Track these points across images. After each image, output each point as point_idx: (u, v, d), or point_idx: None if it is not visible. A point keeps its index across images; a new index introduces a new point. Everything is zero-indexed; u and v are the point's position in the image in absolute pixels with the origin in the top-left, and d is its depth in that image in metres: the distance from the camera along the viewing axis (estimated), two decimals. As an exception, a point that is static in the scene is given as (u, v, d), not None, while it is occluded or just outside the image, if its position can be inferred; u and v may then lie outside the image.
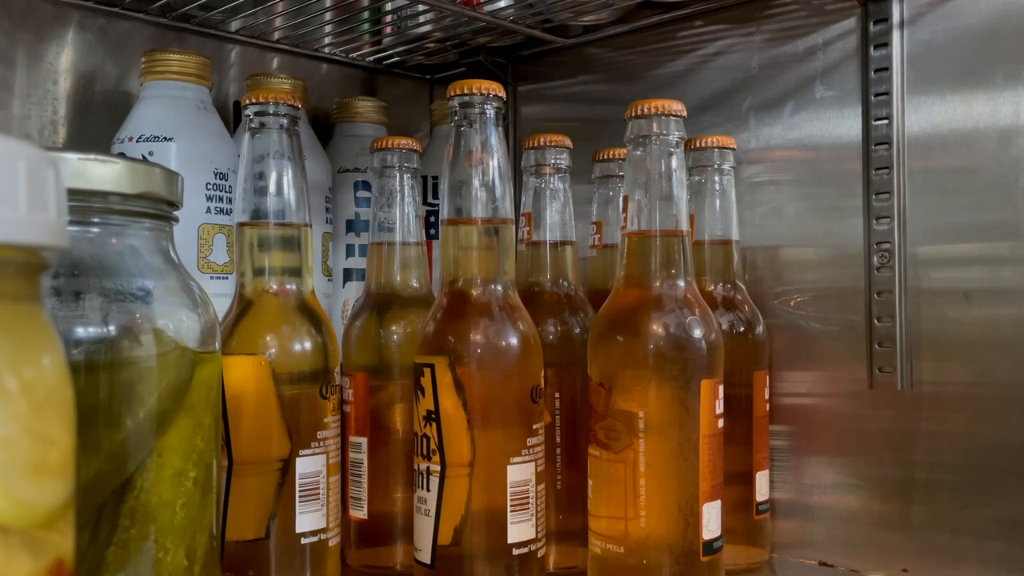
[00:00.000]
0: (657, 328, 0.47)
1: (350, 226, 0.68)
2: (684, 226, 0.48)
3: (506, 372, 0.46)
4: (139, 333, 0.34)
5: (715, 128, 0.64)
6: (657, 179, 0.48)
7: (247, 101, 0.49)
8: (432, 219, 0.70)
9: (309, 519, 0.47)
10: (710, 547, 0.46)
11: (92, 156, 0.34)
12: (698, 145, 0.60)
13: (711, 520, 0.46)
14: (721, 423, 0.47)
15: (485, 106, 0.47)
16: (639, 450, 0.46)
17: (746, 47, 0.63)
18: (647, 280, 0.48)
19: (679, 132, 0.48)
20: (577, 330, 0.55)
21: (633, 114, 0.48)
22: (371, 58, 0.78)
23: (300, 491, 0.47)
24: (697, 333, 0.47)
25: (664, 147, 0.48)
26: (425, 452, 0.46)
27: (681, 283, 0.48)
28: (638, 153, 0.48)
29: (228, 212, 0.58)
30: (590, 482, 0.48)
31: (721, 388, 0.48)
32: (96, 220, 0.35)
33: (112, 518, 0.33)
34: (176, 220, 0.39)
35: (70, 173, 0.32)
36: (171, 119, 0.57)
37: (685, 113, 0.48)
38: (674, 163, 0.48)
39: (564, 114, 0.76)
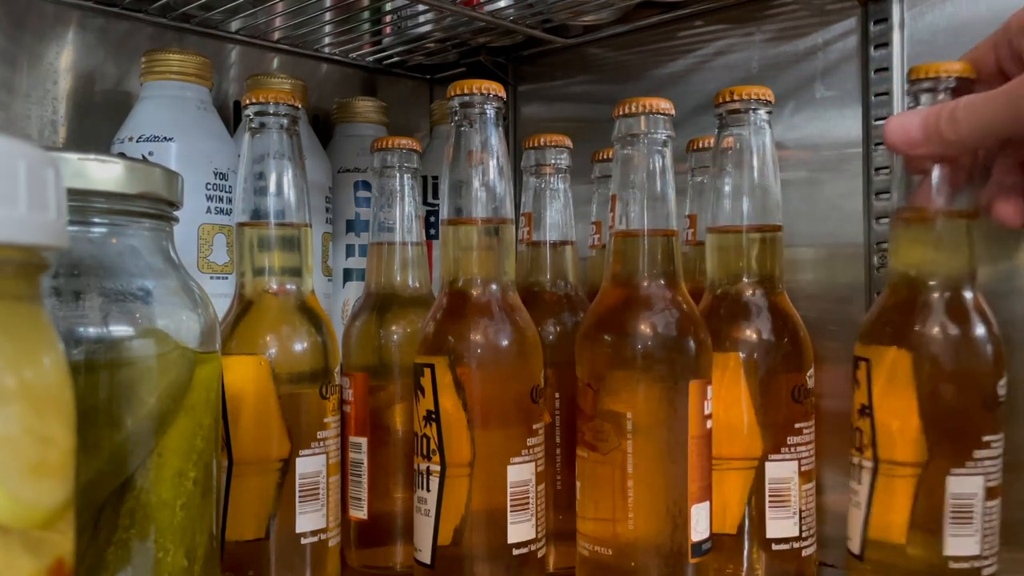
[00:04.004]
0: (645, 328, 0.46)
1: (350, 226, 0.68)
2: (672, 225, 0.47)
3: (506, 372, 0.46)
4: (139, 333, 0.34)
5: (715, 128, 0.64)
6: (645, 178, 0.47)
7: (247, 101, 0.49)
8: (432, 219, 0.70)
9: (309, 519, 0.47)
10: (699, 549, 0.46)
11: (92, 156, 0.34)
12: (699, 145, 0.60)
13: (700, 522, 0.46)
14: (710, 424, 0.47)
15: (485, 106, 0.47)
16: (627, 451, 0.45)
17: (746, 47, 0.63)
18: (635, 280, 0.47)
19: (667, 131, 0.47)
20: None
21: (621, 112, 0.47)
22: (371, 58, 0.78)
23: (300, 491, 0.47)
24: (685, 333, 0.46)
25: (652, 145, 0.47)
26: (425, 452, 0.46)
27: (669, 283, 0.47)
28: (626, 152, 0.48)
29: (228, 212, 0.58)
30: (578, 484, 0.48)
31: (710, 389, 0.47)
32: (96, 220, 0.35)
33: (112, 518, 0.33)
34: (176, 220, 0.39)
35: (70, 173, 0.32)
36: (171, 119, 0.57)
37: (673, 112, 0.47)
38: (662, 162, 0.47)
39: (564, 114, 0.76)
